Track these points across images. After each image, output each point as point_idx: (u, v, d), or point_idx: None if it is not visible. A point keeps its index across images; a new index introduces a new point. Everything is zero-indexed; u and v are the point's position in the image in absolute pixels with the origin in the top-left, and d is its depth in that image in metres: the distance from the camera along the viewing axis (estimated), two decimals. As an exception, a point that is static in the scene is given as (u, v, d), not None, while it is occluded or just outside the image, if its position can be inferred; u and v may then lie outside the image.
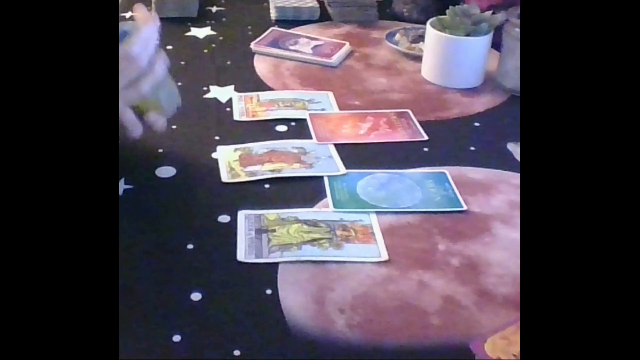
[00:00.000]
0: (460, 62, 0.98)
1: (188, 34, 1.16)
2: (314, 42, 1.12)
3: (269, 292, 0.60)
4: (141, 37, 0.66)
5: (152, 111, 0.70)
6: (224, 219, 0.69)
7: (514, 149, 0.83)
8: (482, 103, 0.96)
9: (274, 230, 0.67)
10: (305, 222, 0.68)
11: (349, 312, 0.58)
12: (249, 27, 1.19)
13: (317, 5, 1.24)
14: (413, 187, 0.75)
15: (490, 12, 0.99)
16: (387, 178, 0.77)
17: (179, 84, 0.95)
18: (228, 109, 0.91)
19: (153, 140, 0.80)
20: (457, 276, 0.63)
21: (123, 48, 0.64)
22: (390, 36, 1.14)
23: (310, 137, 0.84)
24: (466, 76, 0.99)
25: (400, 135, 0.86)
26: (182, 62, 1.04)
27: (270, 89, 0.98)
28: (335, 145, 0.83)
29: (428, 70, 1.02)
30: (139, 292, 0.59)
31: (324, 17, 1.24)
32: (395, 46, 1.11)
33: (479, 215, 0.71)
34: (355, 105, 0.94)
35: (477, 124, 0.90)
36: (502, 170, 0.79)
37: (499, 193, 0.75)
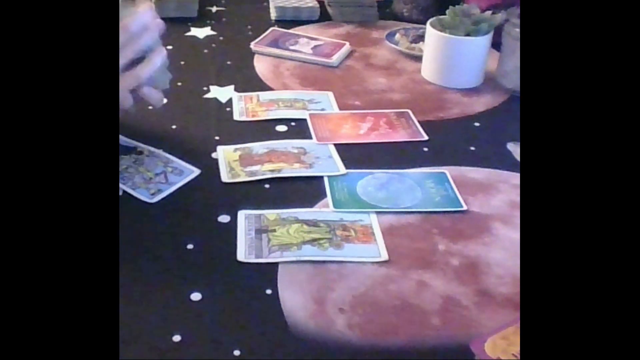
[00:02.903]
0: (460, 62, 0.98)
1: (188, 34, 1.16)
2: (314, 42, 1.12)
3: (269, 292, 0.60)
4: (140, 18, 0.66)
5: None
6: (224, 219, 0.69)
7: (514, 149, 0.83)
8: (482, 103, 0.96)
9: (274, 230, 0.67)
10: (305, 222, 0.68)
11: (349, 312, 0.58)
12: (249, 27, 1.19)
13: (317, 5, 1.24)
14: (413, 187, 0.75)
15: (490, 12, 0.99)
16: (387, 178, 0.77)
17: (179, 84, 0.96)
18: (228, 109, 0.91)
19: (153, 139, 0.80)
20: (457, 276, 0.63)
21: (123, 22, 0.63)
22: (390, 36, 1.14)
23: (310, 137, 0.84)
24: (466, 76, 0.99)
25: (400, 135, 0.86)
26: (182, 62, 1.04)
27: (270, 89, 0.98)
28: (335, 145, 0.83)
29: (428, 70, 1.02)
30: (139, 292, 0.59)
31: (324, 17, 1.24)
32: (395, 46, 1.11)
33: (479, 215, 0.71)
34: (355, 105, 0.94)
35: (477, 124, 0.90)
36: (502, 170, 0.79)
37: (499, 193, 0.75)
